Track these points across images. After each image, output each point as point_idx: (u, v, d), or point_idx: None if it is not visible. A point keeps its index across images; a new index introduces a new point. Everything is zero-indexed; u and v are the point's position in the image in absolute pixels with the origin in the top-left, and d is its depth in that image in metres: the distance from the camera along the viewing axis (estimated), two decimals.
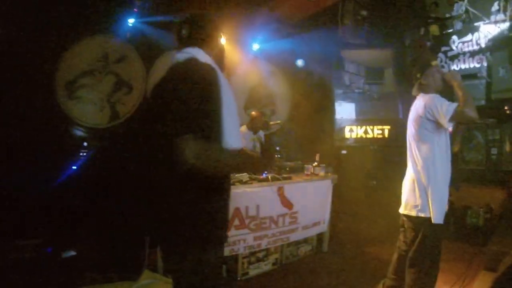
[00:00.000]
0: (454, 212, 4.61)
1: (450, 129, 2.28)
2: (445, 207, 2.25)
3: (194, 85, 1.17)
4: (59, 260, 2.98)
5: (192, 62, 1.23)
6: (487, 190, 4.63)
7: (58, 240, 3.25)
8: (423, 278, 2.18)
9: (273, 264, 3.18)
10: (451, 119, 2.08)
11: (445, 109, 2.09)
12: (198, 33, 1.36)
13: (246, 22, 3.87)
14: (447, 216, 4.60)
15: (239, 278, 2.93)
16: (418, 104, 2.26)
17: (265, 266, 3.12)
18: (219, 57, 1.40)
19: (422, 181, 2.21)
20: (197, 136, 1.13)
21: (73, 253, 3.09)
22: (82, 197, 3.94)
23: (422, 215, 2.19)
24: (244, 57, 4.97)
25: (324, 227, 3.48)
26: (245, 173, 2.81)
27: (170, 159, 1.17)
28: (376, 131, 5.04)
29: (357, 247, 3.80)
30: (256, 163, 1.32)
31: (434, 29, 4.15)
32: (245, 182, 2.89)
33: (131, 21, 4.37)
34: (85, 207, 3.79)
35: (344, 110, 5.14)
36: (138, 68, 4.78)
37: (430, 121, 2.18)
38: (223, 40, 1.44)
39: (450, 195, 2.31)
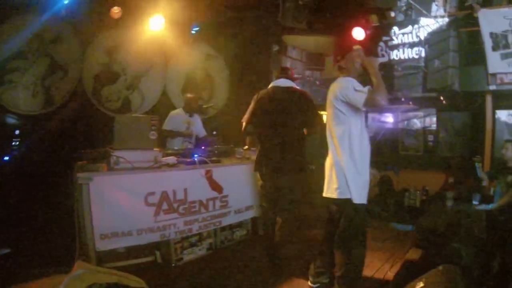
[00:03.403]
0: (394, 194, 4.88)
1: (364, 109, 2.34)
2: (367, 187, 2.29)
3: (310, 99, 2.84)
4: None
5: (300, 89, 2.95)
6: (424, 174, 4.94)
7: None
8: (350, 258, 2.21)
9: (208, 249, 3.15)
10: (363, 103, 2.13)
11: (358, 93, 2.14)
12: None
13: (186, 4, 3.75)
14: (387, 198, 4.81)
15: (173, 264, 2.88)
16: (334, 87, 2.29)
17: (200, 251, 3.09)
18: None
19: (340, 163, 2.24)
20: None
21: (6, 251, 2.93)
22: (13, 190, 3.67)
23: (343, 196, 2.22)
24: (182, 40, 4.84)
25: (258, 211, 3.47)
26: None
27: (299, 136, 2.85)
28: None
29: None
30: None
31: (373, 18, 4.28)
32: (172, 166, 2.83)
33: None
34: (17, 200, 3.55)
35: None
36: (74, 50, 4.50)
37: (345, 104, 2.21)
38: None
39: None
